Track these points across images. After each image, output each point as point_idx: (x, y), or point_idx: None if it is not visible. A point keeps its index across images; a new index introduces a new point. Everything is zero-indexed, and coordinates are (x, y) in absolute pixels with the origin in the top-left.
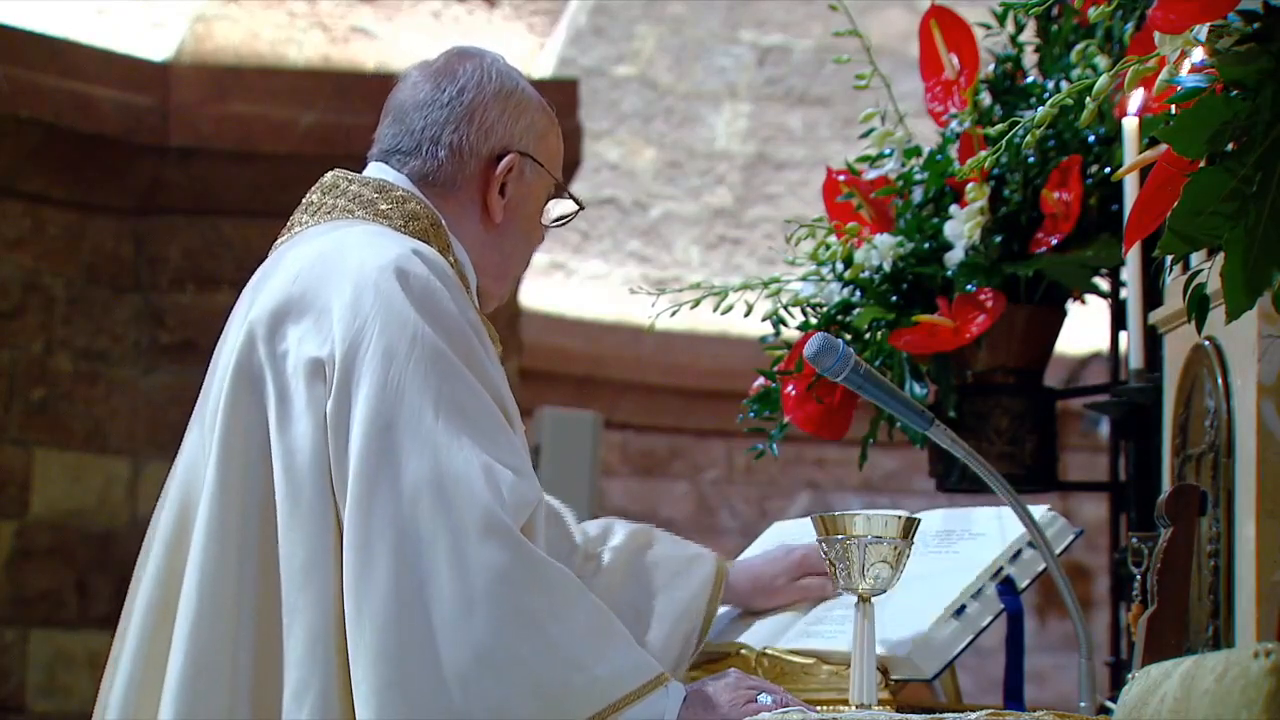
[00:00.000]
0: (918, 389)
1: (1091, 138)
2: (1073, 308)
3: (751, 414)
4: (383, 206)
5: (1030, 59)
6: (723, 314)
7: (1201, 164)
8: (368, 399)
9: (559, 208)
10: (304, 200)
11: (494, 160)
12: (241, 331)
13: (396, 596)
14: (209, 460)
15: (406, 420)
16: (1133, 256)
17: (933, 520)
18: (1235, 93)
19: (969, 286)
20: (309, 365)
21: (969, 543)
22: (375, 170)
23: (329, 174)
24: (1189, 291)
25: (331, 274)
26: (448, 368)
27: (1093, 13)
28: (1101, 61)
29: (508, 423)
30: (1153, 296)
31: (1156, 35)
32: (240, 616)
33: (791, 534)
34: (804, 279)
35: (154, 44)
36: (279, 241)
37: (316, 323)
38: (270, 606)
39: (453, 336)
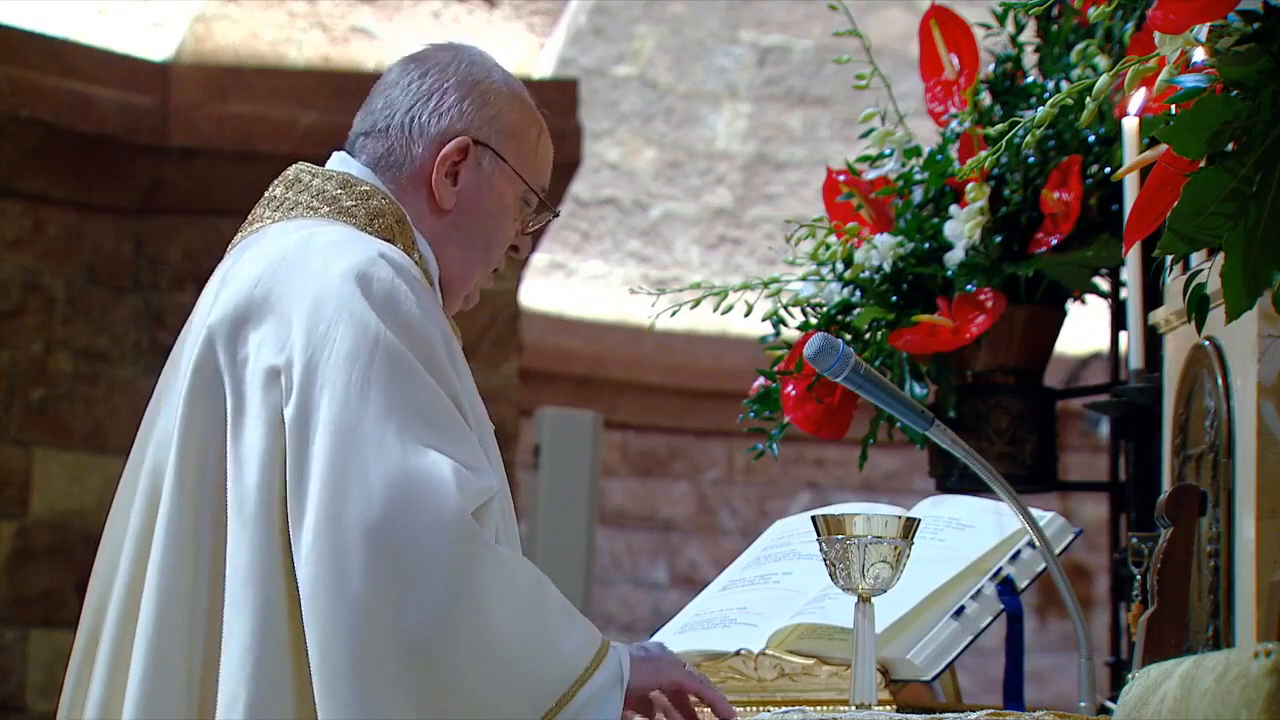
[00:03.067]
0: (918, 389)
1: (1091, 138)
2: (1073, 308)
3: (751, 414)
4: (347, 203)
5: (1030, 59)
6: (723, 314)
7: (1201, 164)
8: (331, 403)
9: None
10: (266, 194)
11: (443, 142)
12: (201, 334)
13: (376, 602)
14: (168, 467)
15: (372, 424)
16: (1133, 256)
17: (920, 506)
18: (1235, 93)
19: (969, 286)
20: (266, 373)
21: (957, 533)
22: (338, 162)
23: (291, 167)
24: (1189, 291)
25: (294, 279)
26: (409, 371)
27: (1093, 13)
28: (1101, 61)
29: (465, 421)
30: (1153, 296)
31: (1156, 35)
32: (194, 626)
33: (794, 532)
34: (804, 279)
35: (154, 44)
36: (239, 237)
37: (276, 329)
38: (219, 617)
39: (413, 339)
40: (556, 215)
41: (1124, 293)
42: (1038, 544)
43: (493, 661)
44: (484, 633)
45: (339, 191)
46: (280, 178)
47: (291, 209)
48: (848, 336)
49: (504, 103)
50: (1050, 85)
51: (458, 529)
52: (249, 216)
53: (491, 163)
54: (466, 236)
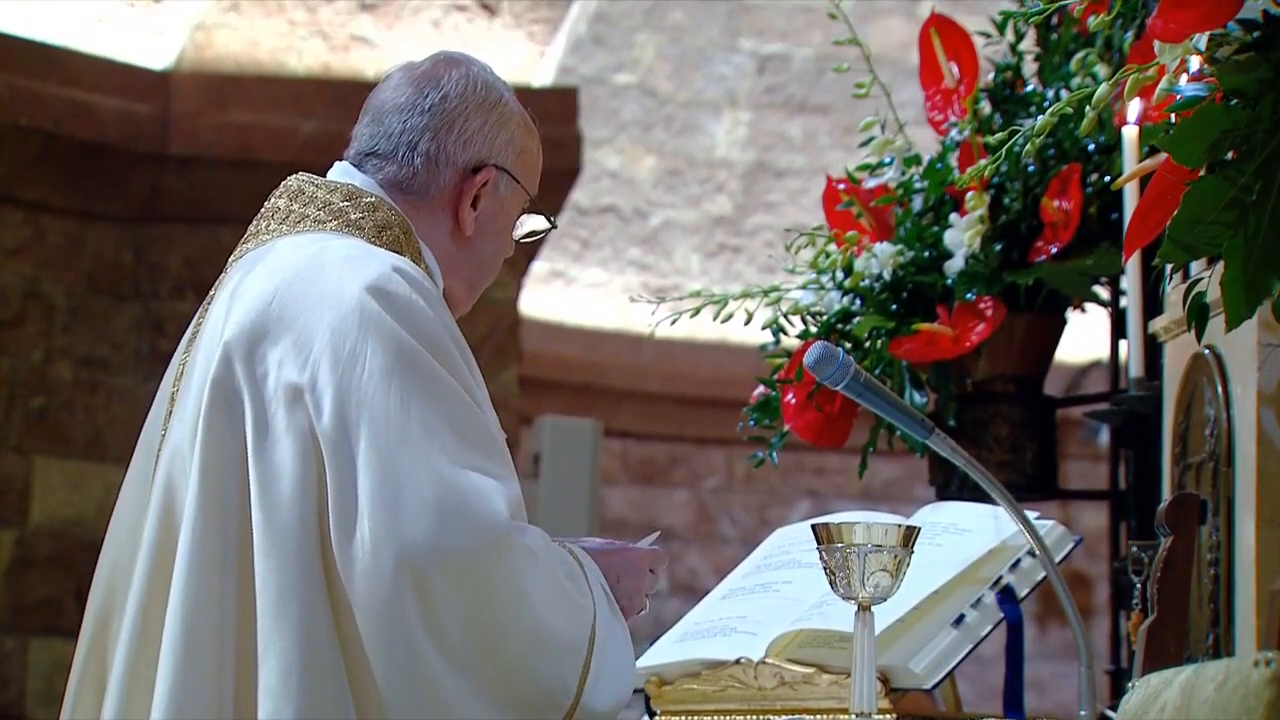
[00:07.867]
0: (918, 397)
1: (1091, 146)
2: (1073, 316)
3: (751, 422)
4: (353, 215)
5: (1030, 68)
6: (722, 322)
7: (1201, 173)
8: (373, 421)
9: (530, 222)
10: (268, 205)
11: (470, 172)
12: (217, 350)
13: (445, 618)
14: (190, 484)
15: (418, 441)
16: (1132, 265)
17: (920, 513)
18: (1235, 101)
19: (969, 295)
20: (289, 390)
21: (954, 537)
22: (342, 174)
23: (292, 178)
24: (1189, 300)
25: (310, 295)
26: (441, 384)
27: (1092, 21)
28: (1101, 70)
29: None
30: (1153, 305)
31: (1156, 44)
32: (223, 644)
33: (794, 540)
34: (804, 287)
35: (154, 52)
36: (243, 249)
37: (296, 346)
38: (249, 634)
39: (439, 353)
40: (555, 227)
41: (1124, 301)
42: (1038, 552)
43: (549, 653)
44: (542, 633)
45: (345, 204)
46: (281, 188)
47: (298, 222)
48: (848, 345)
49: (515, 123)
50: (1050, 94)
51: (509, 544)
52: (251, 228)
53: (507, 185)
54: (479, 255)
